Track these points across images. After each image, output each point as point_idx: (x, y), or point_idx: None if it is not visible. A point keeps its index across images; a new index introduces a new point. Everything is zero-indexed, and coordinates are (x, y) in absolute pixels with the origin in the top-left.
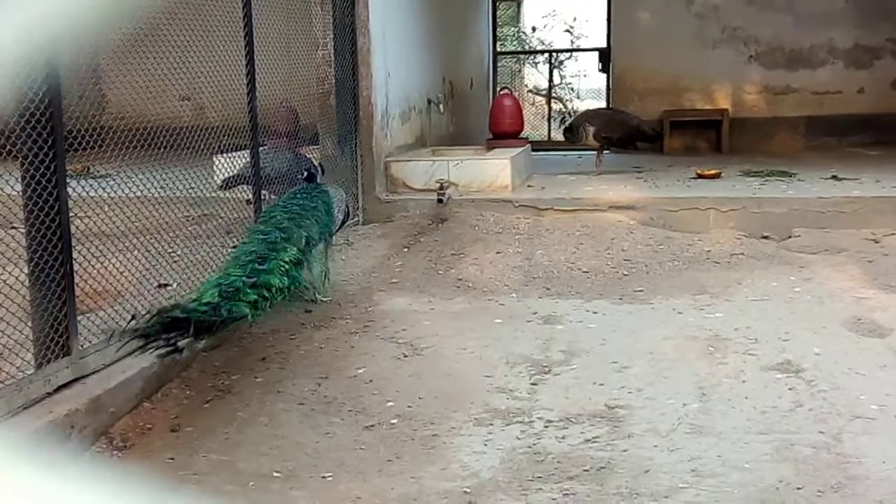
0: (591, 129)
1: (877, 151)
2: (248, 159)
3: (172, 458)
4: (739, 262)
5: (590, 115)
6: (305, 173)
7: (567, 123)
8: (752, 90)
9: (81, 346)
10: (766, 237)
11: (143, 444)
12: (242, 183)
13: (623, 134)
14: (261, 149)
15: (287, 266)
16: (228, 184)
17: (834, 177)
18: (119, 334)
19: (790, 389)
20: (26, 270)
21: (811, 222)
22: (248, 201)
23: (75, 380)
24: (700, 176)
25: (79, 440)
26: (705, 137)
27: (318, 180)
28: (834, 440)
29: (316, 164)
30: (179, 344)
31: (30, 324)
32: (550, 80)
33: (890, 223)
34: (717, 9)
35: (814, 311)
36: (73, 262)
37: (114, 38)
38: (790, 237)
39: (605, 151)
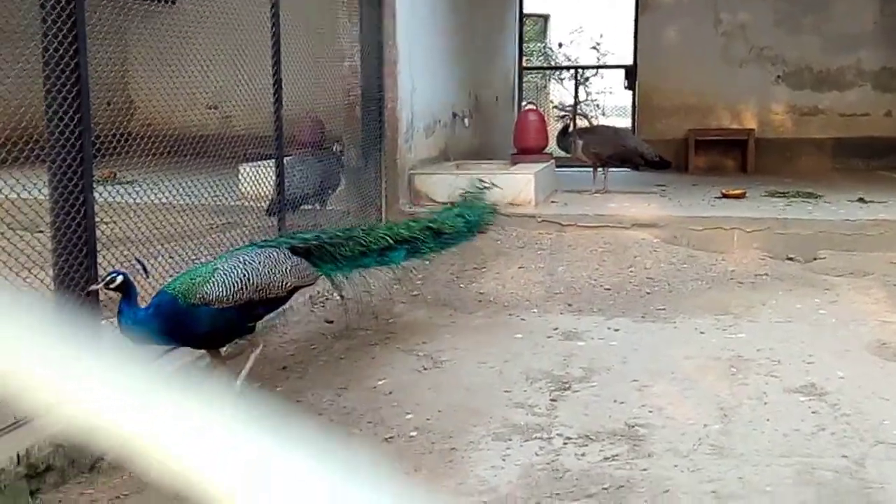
0: (580, 143)
1: None
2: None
3: None
4: (763, 283)
5: (584, 130)
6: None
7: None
8: (779, 110)
9: None
10: (790, 258)
11: None
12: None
13: (615, 153)
14: (288, 160)
15: None
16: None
17: (860, 199)
18: None
19: (813, 413)
20: (51, 274)
21: (837, 245)
22: (267, 212)
23: None
24: (725, 195)
25: None
26: (731, 157)
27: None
28: (856, 465)
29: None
30: None
31: None
32: (576, 96)
33: None
34: (745, 28)
35: (838, 334)
36: (98, 266)
37: (143, 46)
38: (815, 259)
39: (600, 170)
